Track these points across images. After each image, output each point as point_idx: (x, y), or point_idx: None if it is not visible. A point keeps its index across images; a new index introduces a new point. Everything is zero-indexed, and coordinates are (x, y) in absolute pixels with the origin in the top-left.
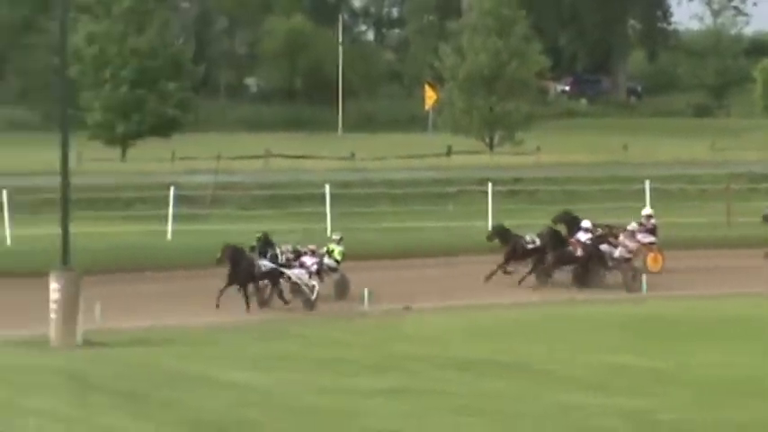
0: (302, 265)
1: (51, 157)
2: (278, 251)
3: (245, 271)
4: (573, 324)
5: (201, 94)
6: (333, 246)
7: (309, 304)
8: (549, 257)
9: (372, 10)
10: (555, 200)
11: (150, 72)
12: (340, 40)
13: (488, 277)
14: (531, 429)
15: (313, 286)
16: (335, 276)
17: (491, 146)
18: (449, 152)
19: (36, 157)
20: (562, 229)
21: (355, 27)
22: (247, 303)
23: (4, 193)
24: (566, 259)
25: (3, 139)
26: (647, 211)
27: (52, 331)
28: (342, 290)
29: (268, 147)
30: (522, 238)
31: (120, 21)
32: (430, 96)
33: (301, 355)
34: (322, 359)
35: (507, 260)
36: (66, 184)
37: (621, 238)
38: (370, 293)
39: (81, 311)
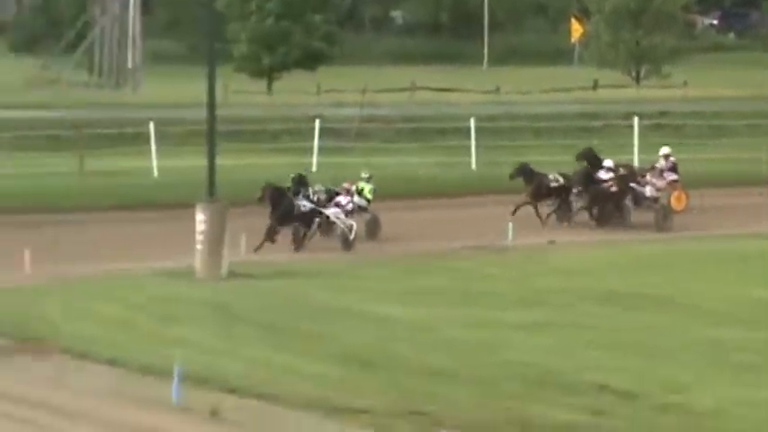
0: (338, 205)
1: (198, 89)
2: (311, 191)
3: (285, 211)
4: (695, 258)
5: (347, 27)
6: (362, 184)
7: (348, 244)
8: (587, 195)
9: None
10: (701, 134)
11: (296, 4)
12: None
13: (514, 213)
14: (677, 364)
15: (351, 225)
16: (366, 216)
17: (637, 79)
18: (595, 86)
19: (182, 90)
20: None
21: None
22: (295, 243)
23: (151, 125)
24: (602, 197)
25: (150, 72)
26: (664, 150)
27: (198, 262)
28: (373, 230)
29: (413, 80)
30: (545, 176)
31: None
32: (576, 30)
33: (447, 288)
34: (468, 292)
35: (533, 198)
36: (212, 116)
37: (648, 176)
38: (513, 227)
39: (227, 243)
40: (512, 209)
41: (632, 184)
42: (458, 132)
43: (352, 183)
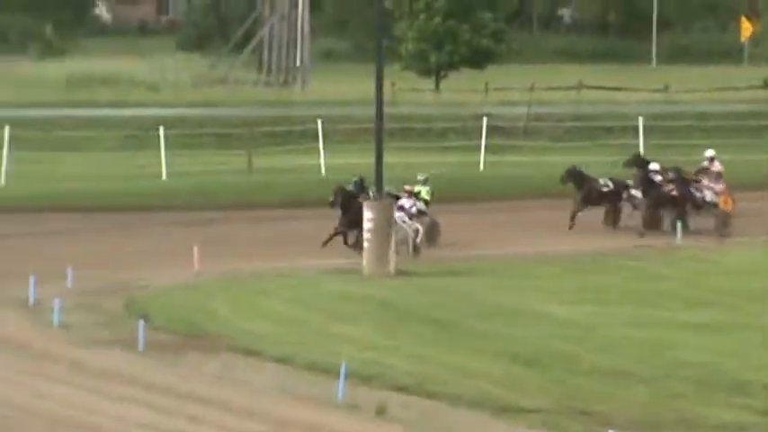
0: (401, 209)
1: (365, 87)
2: (371, 194)
3: (354, 215)
4: None
5: (515, 26)
6: (419, 187)
7: (416, 249)
8: (647, 199)
9: None
10: None
11: (464, 3)
12: None
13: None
14: None
15: (417, 229)
16: (425, 220)
17: None
18: (765, 85)
19: (350, 87)
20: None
21: None
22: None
23: (319, 123)
24: (663, 201)
25: (318, 70)
26: (710, 152)
27: (365, 260)
28: (432, 234)
29: (581, 78)
30: (596, 181)
31: None
32: (746, 28)
33: (617, 287)
34: (638, 292)
35: (584, 204)
36: (380, 115)
37: (706, 181)
38: (684, 225)
39: (394, 240)
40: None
41: (691, 189)
42: (625, 131)
43: (413, 186)
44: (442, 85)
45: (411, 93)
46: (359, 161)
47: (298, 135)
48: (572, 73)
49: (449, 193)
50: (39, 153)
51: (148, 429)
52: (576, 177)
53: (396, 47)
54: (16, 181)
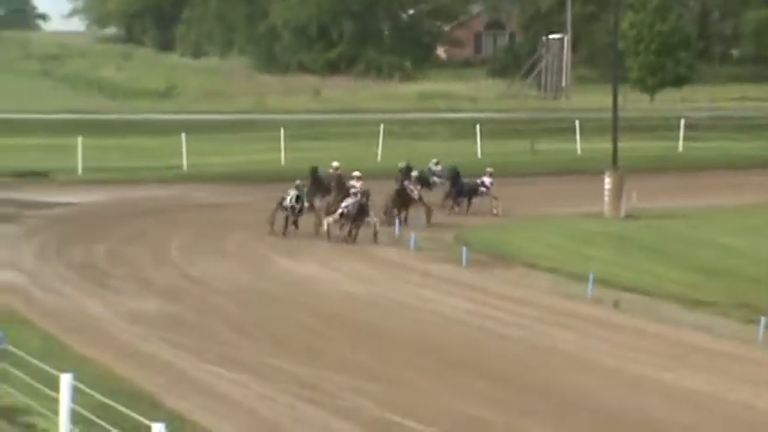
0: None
1: (607, 99)
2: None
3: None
4: None
5: (702, 61)
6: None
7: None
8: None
9: None
10: None
11: (669, 45)
12: None
13: None
14: None
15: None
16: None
17: None
18: None
19: (597, 100)
20: None
21: None
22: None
23: (576, 122)
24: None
25: (575, 89)
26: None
27: (606, 208)
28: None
29: (744, 94)
30: None
31: (650, 13)
32: None
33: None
34: None
35: None
36: (615, 116)
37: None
38: None
39: (624, 196)
40: None
41: None
42: None
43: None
44: (656, 97)
45: (634, 102)
46: (604, 146)
47: (563, 130)
48: (738, 90)
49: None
50: (399, 141)
51: (469, 314)
52: None
53: (626, 74)
54: (384, 159)
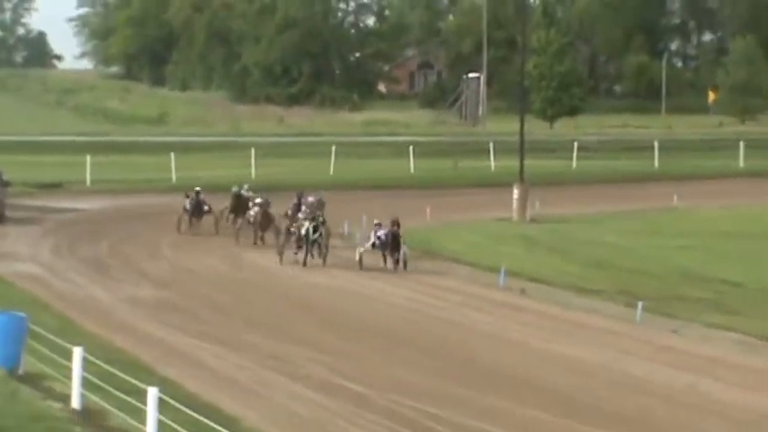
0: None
1: (515, 127)
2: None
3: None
4: None
5: (592, 95)
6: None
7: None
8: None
9: None
10: None
11: (564, 83)
12: None
13: None
14: None
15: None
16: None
17: None
18: None
19: (505, 127)
20: None
21: None
22: None
23: (491, 144)
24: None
25: (490, 118)
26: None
27: (514, 214)
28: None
29: (624, 122)
30: None
31: (550, 56)
32: None
33: (642, 227)
34: (652, 224)
35: None
36: (522, 138)
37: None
38: None
39: (529, 204)
40: None
41: None
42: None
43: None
44: (555, 124)
45: (537, 128)
46: (513, 163)
47: (480, 151)
48: (621, 119)
49: (549, 181)
50: (348, 159)
51: (409, 300)
52: None
53: (531, 105)
54: (335, 173)
